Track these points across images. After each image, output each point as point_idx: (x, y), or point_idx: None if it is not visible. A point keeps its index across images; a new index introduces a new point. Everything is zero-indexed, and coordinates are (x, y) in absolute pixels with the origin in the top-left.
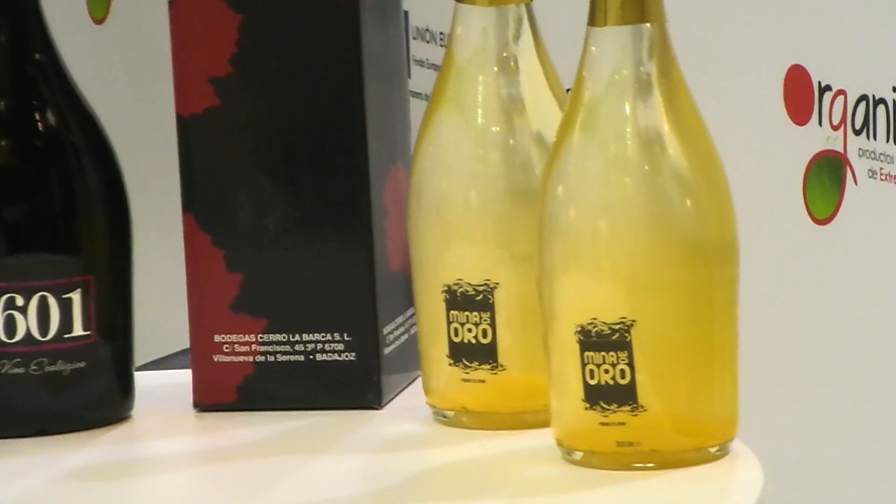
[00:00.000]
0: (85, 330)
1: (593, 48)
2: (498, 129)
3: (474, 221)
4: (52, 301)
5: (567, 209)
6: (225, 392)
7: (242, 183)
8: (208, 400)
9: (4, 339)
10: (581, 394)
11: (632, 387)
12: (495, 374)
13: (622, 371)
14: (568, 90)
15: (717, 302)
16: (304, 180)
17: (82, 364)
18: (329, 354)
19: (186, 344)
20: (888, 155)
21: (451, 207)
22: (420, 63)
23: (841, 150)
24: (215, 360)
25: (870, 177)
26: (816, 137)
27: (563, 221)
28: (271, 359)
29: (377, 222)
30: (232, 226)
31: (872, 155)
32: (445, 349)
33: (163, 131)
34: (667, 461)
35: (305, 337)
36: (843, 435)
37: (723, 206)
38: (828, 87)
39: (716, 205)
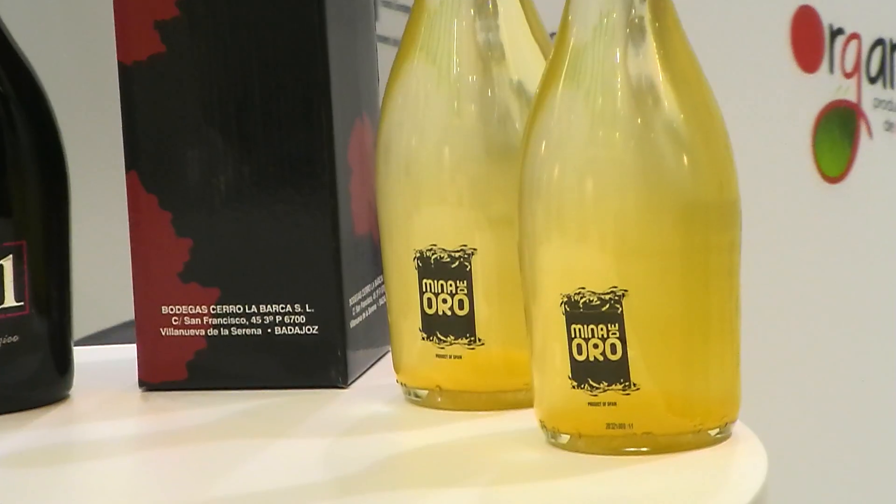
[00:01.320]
0: (18, 301)
1: None
2: (474, 78)
3: (448, 181)
4: None
5: (550, 168)
6: (174, 369)
7: (191, 138)
8: (155, 378)
9: None
10: (567, 371)
11: (623, 363)
12: (472, 349)
13: (612, 346)
14: (552, 35)
15: (716, 269)
16: (260, 135)
17: (15, 338)
18: (289, 328)
19: (131, 316)
20: None
21: (422, 166)
22: (388, 4)
23: (854, 100)
24: (163, 333)
25: (886, 129)
26: (827, 86)
27: (546, 181)
28: (225, 332)
29: (341, 182)
30: (180, 185)
31: (889, 105)
32: (418, 322)
33: (103, 81)
34: (661, 445)
35: (263, 308)
36: (857, 414)
37: (722, 163)
38: (840, 31)
39: (714, 162)
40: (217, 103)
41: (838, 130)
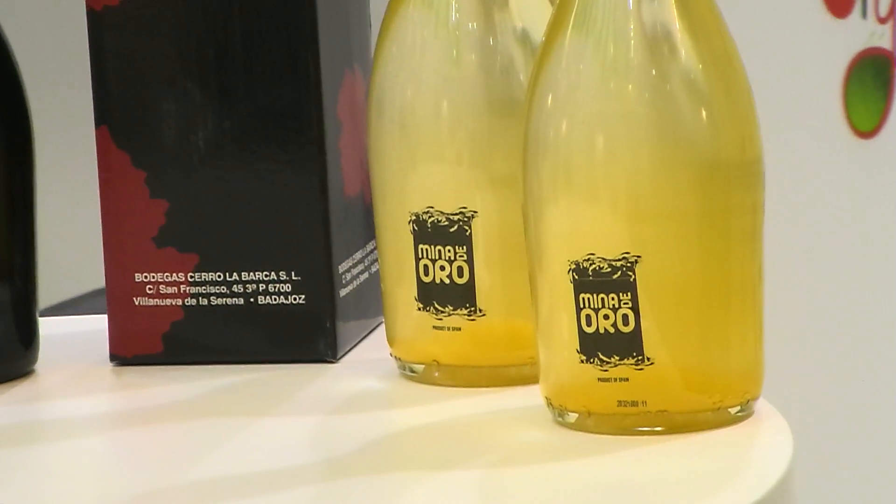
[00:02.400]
0: None
1: None
2: (475, 25)
3: (446, 137)
4: None
5: (557, 122)
6: (148, 342)
7: (167, 90)
8: (128, 351)
9: None
10: (575, 344)
11: (636, 335)
12: (472, 320)
13: (624, 316)
14: None
15: (737, 233)
16: (241, 87)
17: None
18: (273, 297)
19: (101, 284)
20: None
21: (418, 120)
22: None
23: (889, 47)
24: (136, 303)
25: None
26: (859, 32)
27: (552, 137)
28: (204, 302)
29: (330, 138)
30: (154, 142)
31: None
32: (413, 291)
33: (71, 28)
34: (677, 424)
35: (245, 276)
36: (892, 386)
37: (744, 117)
38: None
39: (736, 116)
40: (195, 52)
41: (871, 81)
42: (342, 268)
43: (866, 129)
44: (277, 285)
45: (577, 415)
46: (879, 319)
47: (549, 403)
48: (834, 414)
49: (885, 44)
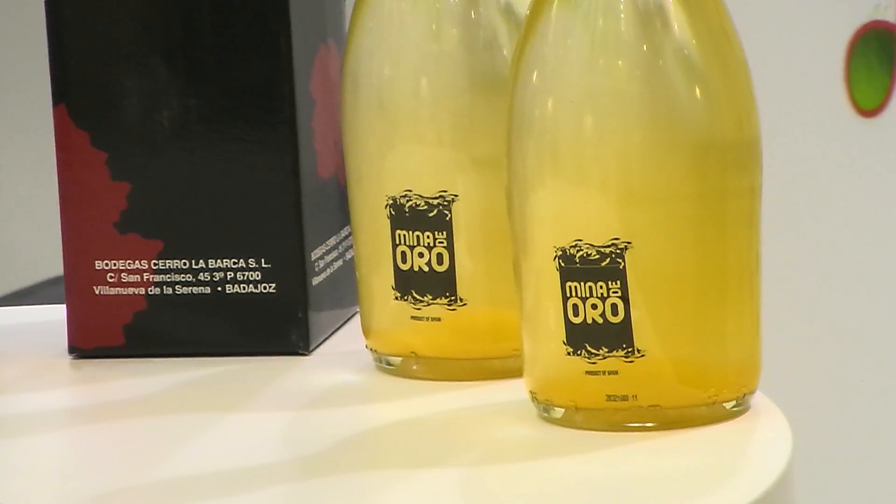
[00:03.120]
0: None
1: None
2: None
3: (426, 116)
4: None
5: (544, 100)
6: (109, 333)
7: (130, 65)
8: (88, 343)
9: None
10: (562, 335)
11: (626, 326)
12: (453, 310)
13: (614, 306)
14: None
15: (733, 218)
16: (209, 63)
17: None
18: (242, 286)
19: (59, 271)
20: None
21: (396, 99)
22: None
23: (893, 20)
24: (97, 292)
25: None
26: (863, 5)
27: (538, 116)
28: (168, 291)
29: (302, 117)
30: (116, 121)
31: None
32: (390, 279)
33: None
34: (670, 419)
35: (212, 263)
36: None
37: (741, 95)
38: None
39: (732, 94)
40: (160, 25)
41: (875, 56)
42: (315, 255)
43: (870, 107)
44: (246, 273)
45: (563, 410)
46: (883, 309)
47: (535, 398)
48: (835, 408)
49: (891, 17)
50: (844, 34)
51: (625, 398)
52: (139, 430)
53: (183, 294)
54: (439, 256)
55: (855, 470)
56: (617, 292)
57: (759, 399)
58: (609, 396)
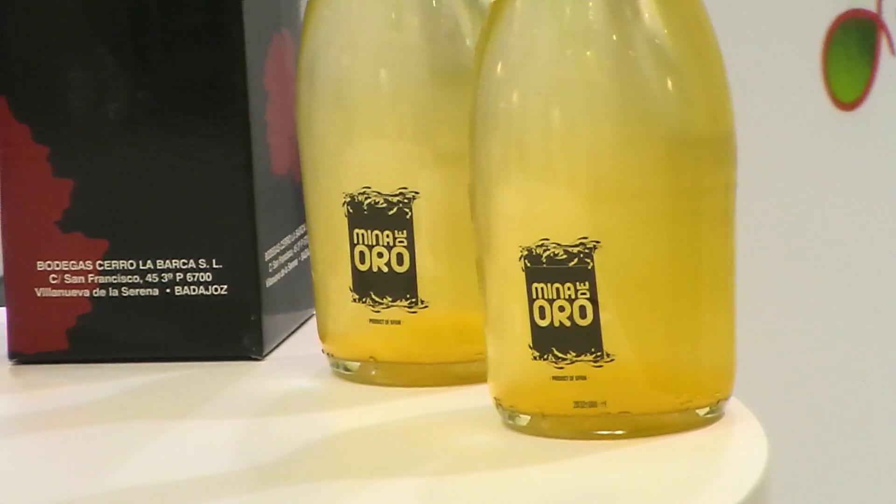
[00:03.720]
0: None
1: None
2: None
3: (386, 109)
4: None
5: (509, 93)
6: (52, 337)
7: (74, 56)
8: (30, 348)
9: None
10: (528, 339)
11: (595, 329)
12: (414, 312)
13: (582, 308)
14: None
15: (707, 215)
16: (158, 53)
17: None
18: (192, 287)
19: None
20: None
21: (354, 91)
22: None
23: (873, 9)
24: (38, 294)
25: None
26: None
27: (503, 109)
28: (114, 293)
29: (256, 110)
30: (59, 114)
31: None
32: (348, 280)
33: None
34: (641, 427)
35: (160, 264)
36: (872, 383)
37: (715, 88)
38: None
39: (706, 87)
40: (106, 13)
41: (855, 46)
42: (269, 255)
43: (849, 99)
44: (197, 274)
45: (529, 417)
46: (864, 308)
47: (499, 404)
48: (813, 415)
49: (870, 5)
50: (822, 23)
51: (594, 404)
52: (84, 440)
53: (130, 296)
54: (399, 256)
55: (833, 479)
56: (585, 294)
57: (733, 405)
58: (577, 403)
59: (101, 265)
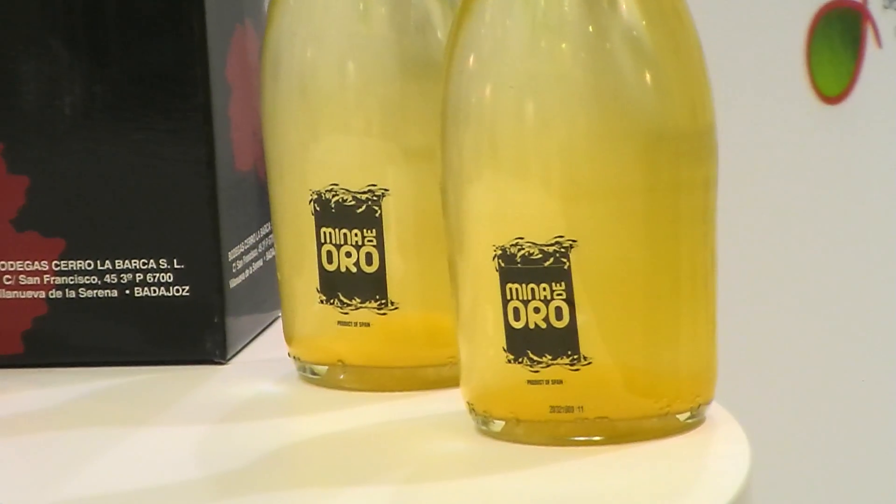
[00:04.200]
0: None
1: None
2: None
3: (353, 104)
4: None
5: (481, 87)
6: (7, 341)
7: (27, 47)
8: None
9: None
10: (502, 341)
11: (571, 331)
12: (383, 314)
13: (558, 310)
14: None
15: (687, 213)
16: (115, 45)
17: None
18: (152, 288)
19: None
20: None
21: (321, 84)
22: None
23: None
24: None
25: None
26: None
27: (475, 103)
28: (71, 294)
29: (218, 104)
30: (12, 108)
31: None
32: (315, 281)
33: None
34: (619, 432)
35: (119, 264)
36: (858, 385)
37: (695, 80)
38: None
39: (685, 79)
40: (59, 3)
41: (839, 38)
42: (233, 254)
43: (833, 93)
44: (157, 275)
45: (503, 422)
46: (849, 308)
47: (472, 409)
48: (797, 420)
49: None
50: (806, 14)
51: (570, 409)
52: (39, 447)
53: (87, 297)
54: (368, 256)
55: (818, 485)
56: (561, 295)
57: (715, 410)
58: (553, 408)
59: (57, 265)
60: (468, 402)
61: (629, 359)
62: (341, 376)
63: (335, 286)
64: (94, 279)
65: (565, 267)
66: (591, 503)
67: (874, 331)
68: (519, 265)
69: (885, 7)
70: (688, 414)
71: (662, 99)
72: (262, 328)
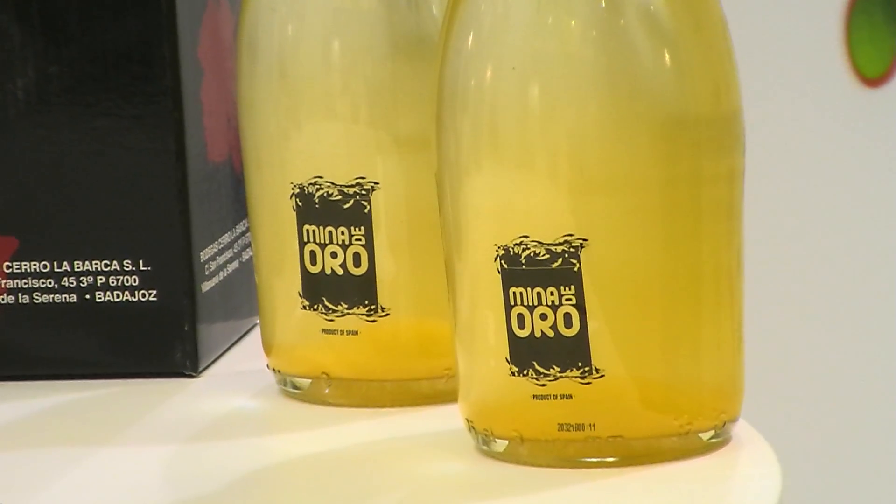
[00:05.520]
0: None
1: None
2: None
3: (339, 87)
4: None
5: (481, 68)
6: None
7: None
8: None
9: None
10: (505, 352)
11: (582, 340)
12: (373, 321)
13: (567, 316)
14: None
15: (710, 208)
16: (73, 23)
17: None
18: (115, 293)
19: None
20: None
21: (303, 66)
22: None
23: None
24: None
25: None
26: None
27: (474, 87)
28: (25, 300)
29: (188, 88)
30: None
31: None
32: (297, 284)
33: None
34: (635, 453)
35: (79, 266)
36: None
37: (718, 61)
38: None
39: (708, 59)
40: None
41: (880, 14)
42: (205, 255)
43: (874, 74)
44: (120, 278)
45: (506, 441)
46: (889, 311)
47: (472, 427)
48: (833, 439)
49: None
50: None
51: (580, 427)
52: None
53: (43, 303)
54: (356, 256)
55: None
56: (571, 300)
57: (741, 428)
58: (561, 425)
59: (9, 267)
60: (467, 419)
61: (646, 371)
62: (326, 390)
63: (319, 290)
64: (49, 283)
65: (575, 269)
66: None
67: None
68: (523, 267)
69: None
70: (711, 432)
71: (682, 81)
72: (237, 337)
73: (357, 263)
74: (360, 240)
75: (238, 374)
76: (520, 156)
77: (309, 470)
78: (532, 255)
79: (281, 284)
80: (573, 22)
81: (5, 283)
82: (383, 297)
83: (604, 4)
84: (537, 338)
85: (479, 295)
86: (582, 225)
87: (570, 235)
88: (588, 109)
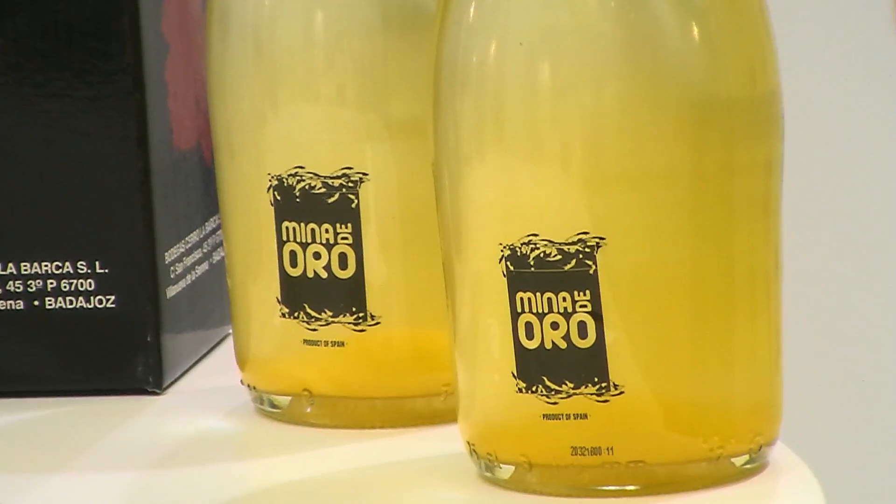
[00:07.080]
0: None
1: None
2: None
3: (322, 65)
4: None
5: (484, 45)
6: None
7: None
8: None
9: None
10: (511, 365)
11: (598, 352)
12: (361, 331)
13: (581, 325)
14: None
15: (743, 203)
16: None
17: None
18: (69, 298)
19: None
20: None
21: (281, 41)
22: None
23: None
24: None
25: None
26: None
27: (476, 66)
28: None
29: (151, 66)
30: None
31: None
32: (275, 289)
33: None
34: (659, 480)
35: (26, 268)
36: None
37: (754, 36)
38: None
39: (742, 35)
40: None
41: None
42: (170, 256)
43: None
44: (75, 282)
45: (513, 467)
46: None
47: (473, 451)
48: (879, 462)
49: None
50: None
51: (596, 451)
52: None
53: None
54: (342, 257)
55: None
56: (586, 306)
57: (780, 452)
58: (575, 449)
59: None
60: (468, 442)
61: (671, 387)
62: (308, 409)
63: (300, 296)
64: None
65: (591, 271)
66: None
67: None
68: (532, 269)
69: None
70: (745, 457)
71: (713, 58)
72: (207, 349)
73: (343, 265)
74: (346, 238)
75: (208, 391)
76: (528, 143)
77: (288, 499)
78: (542, 255)
79: (257, 289)
80: None
81: None
82: (373, 303)
83: None
84: (548, 349)
85: (482, 301)
86: (598, 222)
87: (585, 234)
88: (606, 91)
